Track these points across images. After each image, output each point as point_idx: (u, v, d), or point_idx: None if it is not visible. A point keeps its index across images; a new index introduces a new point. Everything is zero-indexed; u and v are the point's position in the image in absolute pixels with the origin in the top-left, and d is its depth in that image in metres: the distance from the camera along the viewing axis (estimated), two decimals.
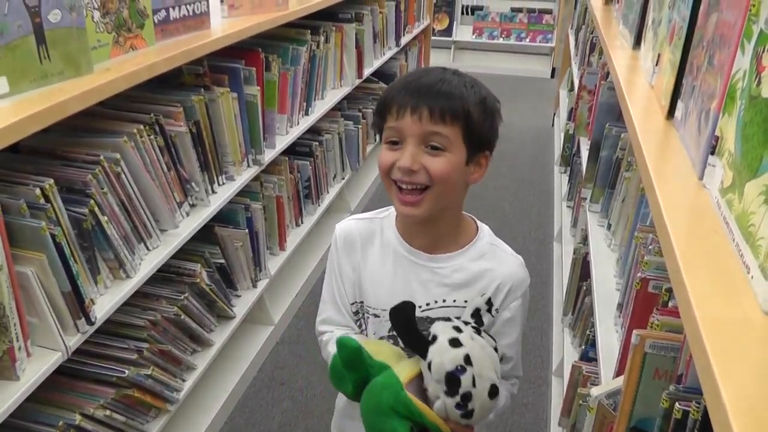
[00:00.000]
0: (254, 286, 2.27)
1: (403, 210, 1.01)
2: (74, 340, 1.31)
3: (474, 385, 0.87)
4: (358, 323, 1.14)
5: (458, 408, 0.87)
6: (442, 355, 0.88)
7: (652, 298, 1.14)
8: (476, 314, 0.98)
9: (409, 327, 0.92)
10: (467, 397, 0.87)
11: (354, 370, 0.94)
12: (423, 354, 0.91)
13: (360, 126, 3.28)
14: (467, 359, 0.88)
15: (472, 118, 0.97)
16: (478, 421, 0.91)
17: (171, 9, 1.63)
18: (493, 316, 1.03)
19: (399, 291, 1.06)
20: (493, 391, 0.89)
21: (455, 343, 0.89)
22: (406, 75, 1.03)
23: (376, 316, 1.09)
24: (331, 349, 1.05)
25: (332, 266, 1.14)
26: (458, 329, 0.92)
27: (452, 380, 0.87)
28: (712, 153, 0.84)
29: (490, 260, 1.07)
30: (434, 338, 0.91)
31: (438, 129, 0.95)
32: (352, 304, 1.13)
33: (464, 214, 1.11)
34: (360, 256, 1.11)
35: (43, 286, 1.23)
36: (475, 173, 1.03)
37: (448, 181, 0.98)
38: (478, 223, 1.12)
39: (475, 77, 1.04)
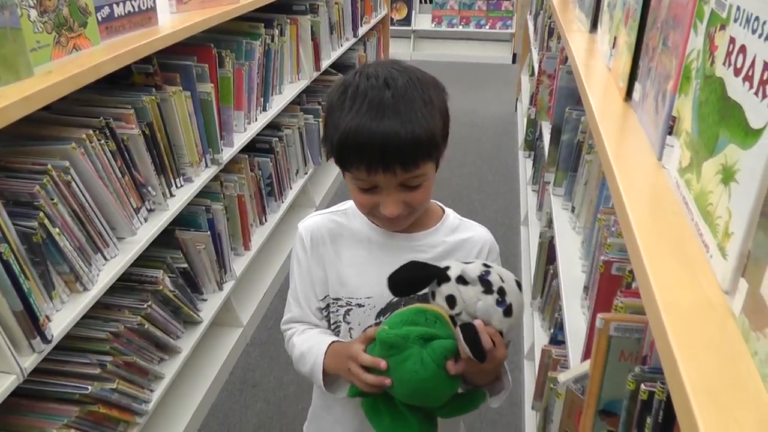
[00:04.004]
0: (220, 289, 2.23)
1: (388, 228, 1.07)
2: (30, 361, 1.26)
3: (502, 280, 0.92)
4: (327, 318, 1.13)
5: (499, 305, 0.91)
6: (464, 268, 0.93)
7: (615, 281, 1.14)
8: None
9: (421, 270, 0.95)
10: (502, 291, 0.91)
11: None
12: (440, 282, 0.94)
13: (320, 119, 3.23)
14: (486, 265, 0.94)
15: (438, 143, 0.97)
16: (514, 325, 0.94)
17: (115, 5, 1.57)
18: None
19: (382, 275, 1.06)
20: (519, 284, 0.95)
21: (467, 263, 0.95)
22: (353, 105, 0.93)
23: (360, 305, 1.08)
24: (296, 341, 1.11)
25: (297, 265, 1.13)
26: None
27: (484, 281, 0.91)
28: (670, 133, 0.85)
29: (463, 232, 1.11)
30: (447, 267, 0.95)
31: (414, 174, 0.95)
32: (323, 299, 1.12)
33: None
34: (330, 250, 1.10)
35: None
36: (440, 161, 1.04)
37: (426, 200, 1.03)
38: (442, 205, 1.16)
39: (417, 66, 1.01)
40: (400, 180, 0.95)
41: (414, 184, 0.97)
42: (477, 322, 0.90)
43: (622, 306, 0.99)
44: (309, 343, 1.09)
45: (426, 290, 0.97)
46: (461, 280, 0.92)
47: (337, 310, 1.10)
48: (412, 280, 0.96)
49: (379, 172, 0.93)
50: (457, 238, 1.10)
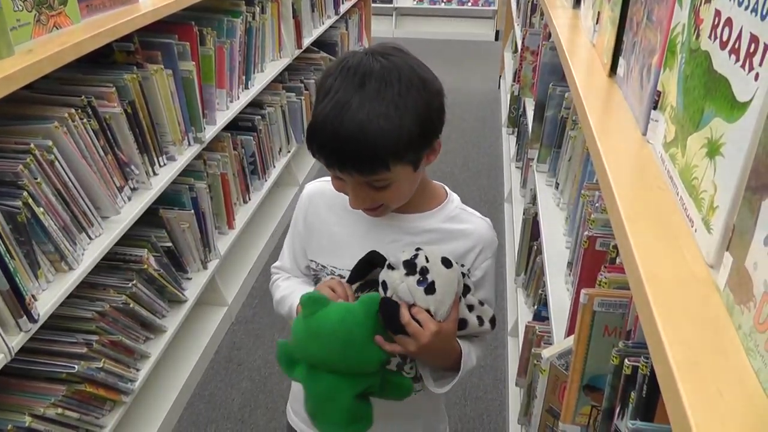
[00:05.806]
0: (205, 268, 2.22)
1: (366, 213, 1.04)
2: (17, 340, 1.26)
3: (427, 260, 0.95)
4: (315, 280, 1.14)
5: (420, 284, 0.93)
6: (397, 254, 0.97)
7: (600, 256, 1.14)
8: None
9: (371, 258, 1.00)
10: (424, 271, 0.94)
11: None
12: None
13: (303, 97, 3.22)
14: (418, 249, 0.97)
15: (401, 153, 0.92)
16: (442, 301, 0.94)
17: None
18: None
19: (366, 250, 1.05)
20: (446, 261, 0.96)
21: (409, 252, 0.98)
22: (325, 98, 0.91)
23: (342, 277, 1.08)
24: (281, 284, 1.15)
25: (294, 225, 1.16)
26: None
27: (409, 263, 0.95)
28: (655, 108, 0.85)
29: (460, 223, 1.08)
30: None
31: (375, 177, 0.93)
32: (312, 261, 1.13)
33: (434, 182, 1.12)
34: (324, 218, 1.11)
35: None
36: (430, 157, 1.00)
37: (402, 196, 1.00)
38: (448, 190, 1.12)
39: (413, 56, 0.96)
40: (360, 181, 0.94)
41: (379, 185, 0.95)
42: (401, 303, 0.94)
43: (606, 281, 1.00)
44: (290, 289, 1.13)
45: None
46: (389, 266, 0.97)
47: (325, 277, 1.11)
48: (361, 266, 1.01)
49: (337, 171, 0.93)
50: (452, 227, 1.06)
